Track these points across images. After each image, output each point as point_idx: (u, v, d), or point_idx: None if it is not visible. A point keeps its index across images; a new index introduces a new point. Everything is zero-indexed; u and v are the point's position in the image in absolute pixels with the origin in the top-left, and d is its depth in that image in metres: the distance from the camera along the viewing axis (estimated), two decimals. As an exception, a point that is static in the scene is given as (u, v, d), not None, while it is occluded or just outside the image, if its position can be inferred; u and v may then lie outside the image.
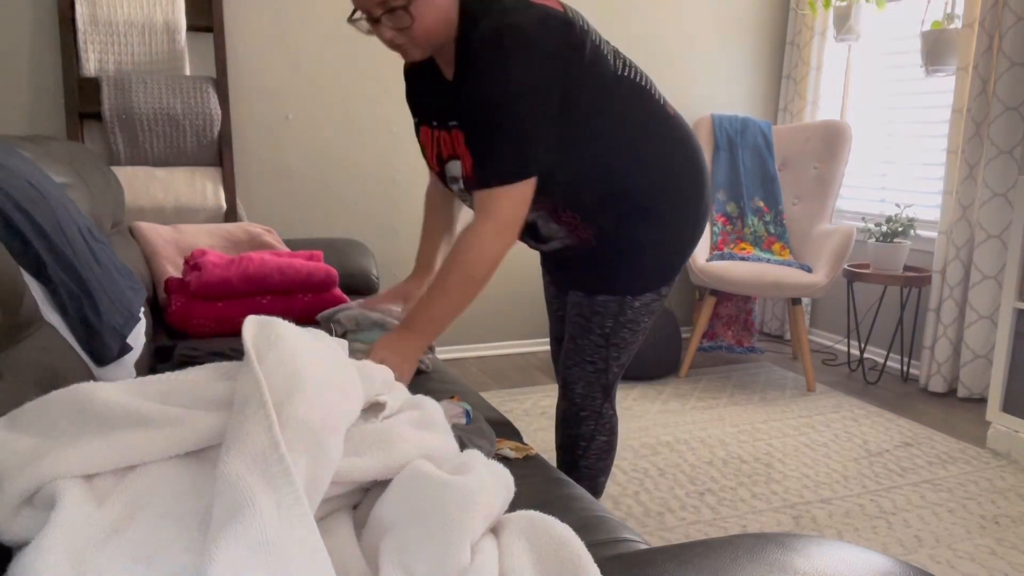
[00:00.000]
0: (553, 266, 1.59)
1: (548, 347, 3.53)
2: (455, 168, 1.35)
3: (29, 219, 1.08)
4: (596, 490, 1.60)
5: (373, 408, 0.82)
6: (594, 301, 1.43)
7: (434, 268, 1.59)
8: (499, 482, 0.72)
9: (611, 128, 1.32)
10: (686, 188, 1.40)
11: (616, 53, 1.35)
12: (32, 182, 1.18)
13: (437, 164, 1.39)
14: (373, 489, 0.74)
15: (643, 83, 1.36)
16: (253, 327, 0.74)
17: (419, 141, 1.44)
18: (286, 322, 0.77)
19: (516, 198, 1.24)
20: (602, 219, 1.37)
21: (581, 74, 1.26)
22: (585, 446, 1.54)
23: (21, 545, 0.57)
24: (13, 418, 0.68)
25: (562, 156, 1.29)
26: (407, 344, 1.29)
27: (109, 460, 0.62)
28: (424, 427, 0.82)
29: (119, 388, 0.71)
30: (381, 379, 0.87)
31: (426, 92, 1.38)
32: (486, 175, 1.24)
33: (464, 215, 1.60)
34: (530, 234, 1.45)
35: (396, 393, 0.88)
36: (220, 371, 0.75)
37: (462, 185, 1.36)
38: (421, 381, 1.63)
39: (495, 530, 0.69)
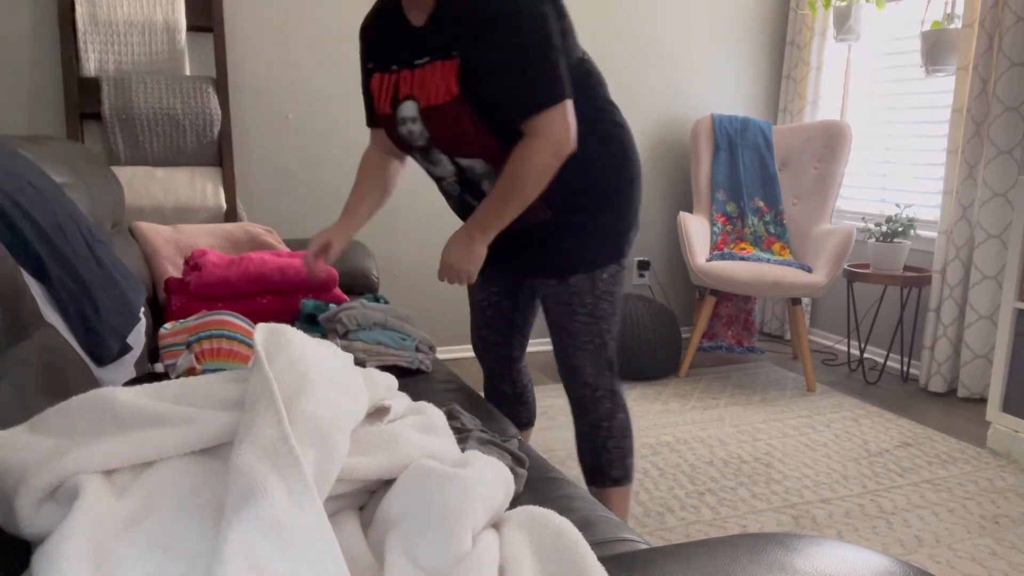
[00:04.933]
0: (508, 254, 1.59)
1: (549, 347, 3.53)
2: (409, 109, 1.40)
3: (29, 219, 1.08)
4: (628, 472, 1.62)
5: (378, 412, 0.84)
6: (567, 284, 1.50)
7: (360, 220, 1.59)
8: (499, 478, 0.73)
9: (579, 103, 1.40)
10: (631, 170, 1.52)
11: (576, 40, 1.45)
12: (32, 182, 1.18)
13: (390, 107, 1.43)
14: (378, 492, 0.76)
15: (597, 71, 1.49)
16: (263, 332, 0.77)
17: (367, 91, 1.52)
18: (295, 329, 0.80)
19: (563, 117, 1.31)
20: (556, 193, 1.42)
21: (564, 38, 1.36)
22: (608, 426, 1.57)
23: (43, 538, 0.59)
24: (35, 423, 0.71)
25: None
26: (474, 246, 1.39)
27: (127, 456, 0.64)
28: (427, 431, 0.84)
29: (137, 392, 0.74)
30: (385, 385, 0.89)
31: (390, 40, 1.44)
32: (534, 100, 1.30)
33: (406, 175, 1.67)
34: (470, 189, 1.48)
35: (399, 399, 0.90)
36: (232, 375, 0.78)
37: (417, 126, 1.40)
38: (421, 381, 1.63)
39: (496, 526, 0.70)
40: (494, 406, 1.81)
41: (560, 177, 1.38)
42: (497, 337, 1.77)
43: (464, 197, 1.51)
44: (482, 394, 1.90)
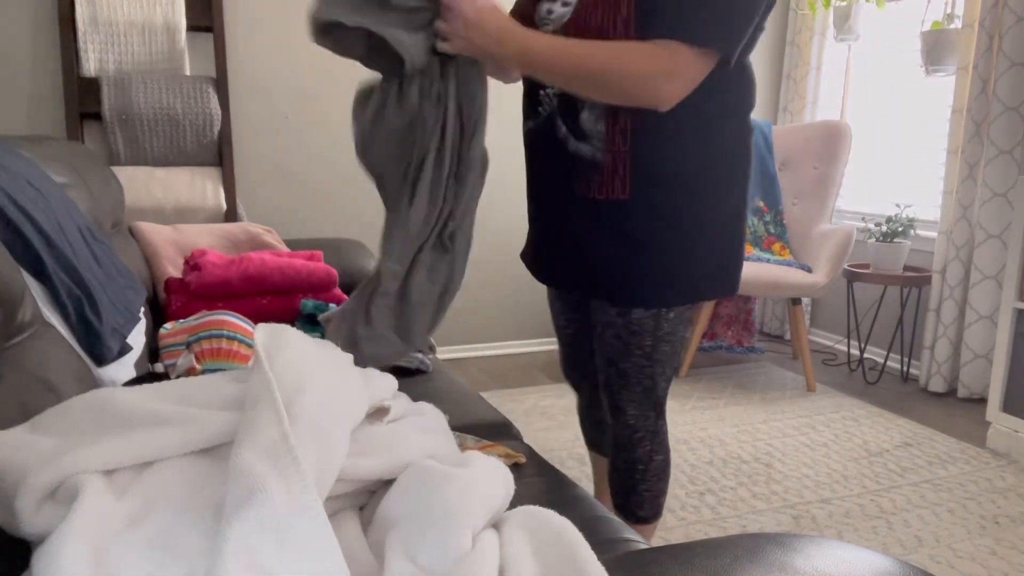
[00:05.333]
0: (568, 267, 1.40)
1: (549, 347, 3.53)
2: None
3: (29, 219, 1.08)
4: (657, 510, 1.50)
5: (378, 412, 0.84)
6: (629, 320, 1.32)
7: None
8: (499, 478, 0.73)
9: (735, 83, 1.22)
10: (738, 180, 1.31)
11: None
12: (32, 182, 1.18)
13: None
14: (378, 492, 0.76)
15: (753, 77, 1.28)
16: (263, 333, 0.78)
17: None
18: (294, 329, 0.80)
19: (700, 66, 1.10)
20: (653, 166, 1.22)
21: (767, 8, 1.17)
22: (643, 469, 1.45)
23: (43, 538, 0.59)
24: (36, 422, 0.71)
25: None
26: (488, 29, 1.09)
27: (128, 456, 0.65)
28: (427, 431, 0.84)
29: (137, 392, 0.74)
30: (385, 385, 0.89)
31: None
32: (696, 26, 1.08)
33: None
34: (568, 113, 1.26)
35: (399, 399, 0.90)
36: (232, 375, 0.78)
37: (565, 8, 1.18)
38: (421, 381, 1.63)
39: (496, 526, 0.70)
40: (590, 432, 1.71)
41: (672, 143, 1.19)
42: (588, 368, 1.60)
43: (555, 120, 1.27)
44: (483, 395, 1.89)
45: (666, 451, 1.47)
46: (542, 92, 1.29)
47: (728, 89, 1.23)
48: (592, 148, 1.24)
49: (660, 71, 1.09)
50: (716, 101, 1.22)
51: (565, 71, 1.12)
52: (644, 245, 1.26)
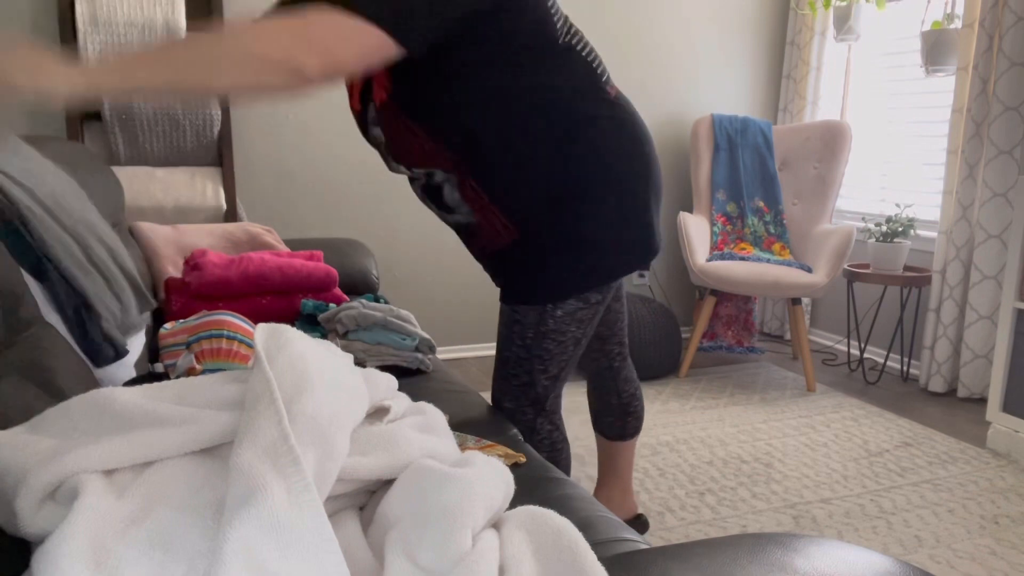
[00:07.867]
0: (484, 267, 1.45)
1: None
2: (373, 111, 1.26)
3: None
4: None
5: (378, 412, 0.84)
6: (513, 310, 1.32)
7: None
8: (499, 477, 0.73)
9: (545, 95, 1.19)
10: (626, 180, 1.27)
11: (567, 21, 1.25)
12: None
13: (359, 101, 1.29)
14: (378, 492, 0.76)
15: (589, 59, 1.25)
16: (264, 333, 0.78)
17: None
18: (295, 329, 0.80)
19: (349, 36, 0.96)
20: (516, 204, 1.25)
21: (518, 13, 1.15)
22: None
23: (43, 538, 0.59)
24: (35, 423, 0.71)
25: (486, 111, 1.19)
26: (47, 65, 0.85)
27: (128, 456, 0.65)
28: (427, 431, 0.84)
29: (137, 392, 0.74)
30: (385, 385, 0.89)
31: None
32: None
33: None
34: (433, 197, 1.32)
35: (399, 399, 0.90)
36: (232, 375, 0.78)
37: (378, 130, 1.28)
38: (421, 381, 1.63)
39: (496, 525, 0.70)
40: (598, 417, 1.77)
41: (517, 180, 1.22)
42: (584, 360, 1.66)
43: (426, 201, 1.36)
44: (483, 394, 1.90)
45: (551, 451, 1.44)
46: (414, 184, 1.35)
47: (554, 107, 1.21)
48: (462, 216, 1.31)
49: (296, 48, 0.94)
50: (544, 121, 1.21)
51: (164, 85, 0.91)
52: (529, 257, 1.29)
